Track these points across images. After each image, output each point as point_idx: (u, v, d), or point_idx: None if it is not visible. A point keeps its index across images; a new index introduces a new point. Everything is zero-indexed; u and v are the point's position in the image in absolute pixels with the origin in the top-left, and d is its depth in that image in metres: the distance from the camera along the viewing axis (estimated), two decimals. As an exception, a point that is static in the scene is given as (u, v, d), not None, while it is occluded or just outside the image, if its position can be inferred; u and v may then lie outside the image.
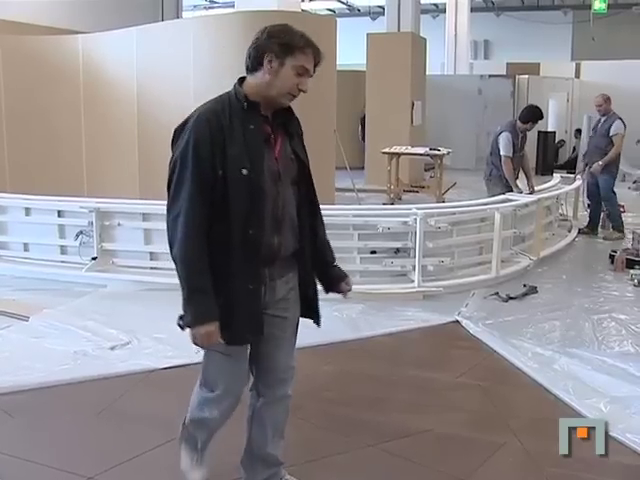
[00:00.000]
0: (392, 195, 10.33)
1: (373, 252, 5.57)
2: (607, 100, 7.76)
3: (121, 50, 8.24)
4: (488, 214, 5.93)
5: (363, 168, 12.14)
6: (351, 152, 11.01)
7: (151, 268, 5.72)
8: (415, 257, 5.44)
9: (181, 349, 3.97)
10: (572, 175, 9.27)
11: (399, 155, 10.52)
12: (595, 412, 3.39)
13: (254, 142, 2.22)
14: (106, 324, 4.66)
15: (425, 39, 12.94)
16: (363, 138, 13.13)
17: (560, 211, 8.07)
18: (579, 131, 14.31)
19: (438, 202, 9.21)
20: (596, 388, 3.71)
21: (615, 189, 7.94)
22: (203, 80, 7.23)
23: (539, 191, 7.12)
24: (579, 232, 7.88)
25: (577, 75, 16.21)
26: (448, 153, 10.57)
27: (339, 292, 2.56)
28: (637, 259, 6.30)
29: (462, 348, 4.46)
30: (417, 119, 12.32)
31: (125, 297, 5.35)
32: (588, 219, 8.13)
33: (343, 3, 23.48)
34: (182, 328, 2.25)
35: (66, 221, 5.95)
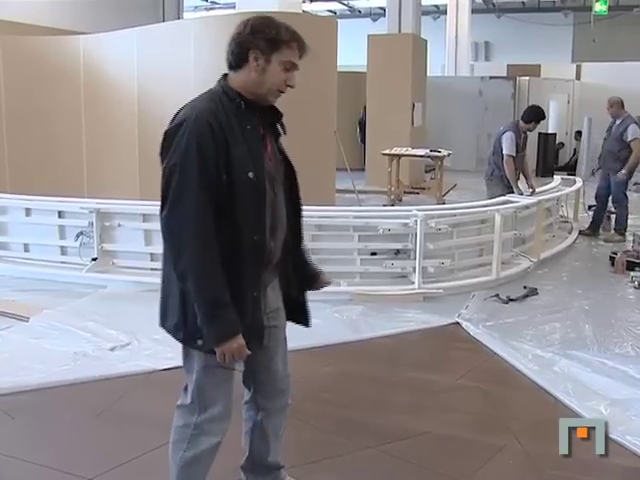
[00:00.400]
0: (392, 196, 10.32)
1: (373, 253, 5.55)
2: (614, 104, 7.71)
3: (122, 51, 8.25)
4: (488, 216, 5.94)
5: (363, 169, 12.15)
6: (351, 153, 11.02)
7: (151, 269, 5.68)
8: (415, 259, 5.44)
9: (181, 350, 3.95)
10: (572, 177, 9.25)
11: (399, 156, 10.52)
12: (595, 414, 3.39)
13: (254, 143, 2.11)
14: (106, 325, 4.66)
15: (426, 40, 12.95)
16: (362, 140, 13.13)
17: (560, 213, 8.08)
18: (579, 133, 14.33)
19: (438, 204, 9.21)
20: (596, 390, 3.71)
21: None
22: (204, 81, 7.15)
23: (539, 193, 7.12)
24: (580, 234, 7.88)
25: (578, 77, 16.20)
26: (449, 155, 10.57)
27: (317, 289, 2.46)
28: (637, 261, 6.29)
29: (462, 350, 4.46)
30: (418, 120, 12.32)
31: (125, 298, 5.34)
32: (590, 220, 8.12)
33: (344, 4, 23.51)
34: (200, 349, 2.12)
35: (66, 222, 5.95)
